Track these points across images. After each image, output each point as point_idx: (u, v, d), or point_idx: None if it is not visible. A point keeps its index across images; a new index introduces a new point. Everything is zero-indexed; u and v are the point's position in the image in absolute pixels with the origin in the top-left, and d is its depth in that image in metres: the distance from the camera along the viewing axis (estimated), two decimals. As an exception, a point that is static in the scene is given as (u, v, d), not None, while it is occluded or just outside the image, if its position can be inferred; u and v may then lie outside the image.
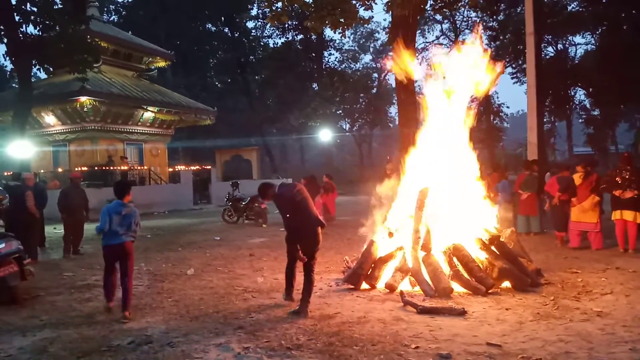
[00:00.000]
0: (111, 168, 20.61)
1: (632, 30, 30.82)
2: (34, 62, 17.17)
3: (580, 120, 44.42)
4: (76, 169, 20.02)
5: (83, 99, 19.42)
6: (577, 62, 39.18)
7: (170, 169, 25.49)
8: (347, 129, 48.30)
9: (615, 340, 4.13)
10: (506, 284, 5.97)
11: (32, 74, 19.10)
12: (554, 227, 9.64)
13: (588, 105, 42.94)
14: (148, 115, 23.34)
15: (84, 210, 10.07)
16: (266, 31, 44.59)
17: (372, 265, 6.38)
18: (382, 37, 44.45)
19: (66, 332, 4.84)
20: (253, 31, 44.57)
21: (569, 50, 41.14)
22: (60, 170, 21.17)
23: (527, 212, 10.54)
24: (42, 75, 23.57)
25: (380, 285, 6.20)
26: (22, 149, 16.18)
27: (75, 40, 16.19)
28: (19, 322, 5.25)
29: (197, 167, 25.66)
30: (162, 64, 26.83)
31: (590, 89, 37.91)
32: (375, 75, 46.81)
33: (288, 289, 5.71)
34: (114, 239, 5.45)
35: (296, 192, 5.32)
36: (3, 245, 6.00)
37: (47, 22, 16.27)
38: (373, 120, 44.39)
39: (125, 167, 21.47)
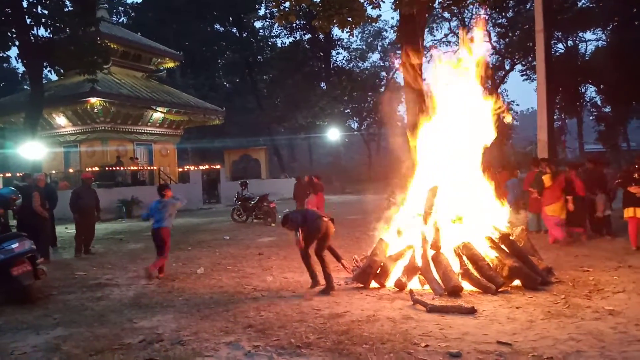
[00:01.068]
0: (121, 168, 20.80)
1: (643, 25, 30.42)
2: (44, 64, 17.35)
3: (591, 118, 43.95)
4: (87, 169, 20.23)
5: (93, 100, 19.63)
6: (587, 58, 38.77)
7: (180, 169, 25.67)
8: (355, 128, 48.24)
9: (628, 339, 4.09)
10: (516, 282, 5.93)
11: (43, 75, 19.32)
12: (568, 224, 9.54)
13: (599, 102, 42.48)
14: (157, 115, 23.51)
15: (96, 210, 10.17)
16: (274, 31, 44.69)
17: (382, 264, 6.38)
18: (390, 35, 44.35)
19: (79, 330, 4.89)
20: (261, 31, 44.70)
21: (579, 47, 40.73)
22: (71, 170, 21.41)
23: (537, 210, 10.47)
24: (53, 77, 23.86)
25: (390, 284, 6.19)
26: (34, 150, 16.37)
27: (85, 42, 16.35)
28: (33, 320, 5.33)
29: (206, 166, 25.79)
30: (170, 64, 27.04)
31: (601, 86, 37.51)
32: (384, 73, 46.69)
33: (312, 277, 6.35)
34: (155, 224, 7.42)
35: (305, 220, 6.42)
36: (16, 244, 6.09)
37: (58, 25, 16.45)
38: (381, 119, 44.27)
39: (135, 168, 21.65)
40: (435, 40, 39.29)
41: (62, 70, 19.78)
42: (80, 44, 16.09)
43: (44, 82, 19.05)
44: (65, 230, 12.81)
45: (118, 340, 4.53)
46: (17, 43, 16.17)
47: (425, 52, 17.56)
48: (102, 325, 5.03)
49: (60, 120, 22.27)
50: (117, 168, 20.70)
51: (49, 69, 18.72)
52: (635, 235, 8.15)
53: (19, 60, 17.67)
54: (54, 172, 21.47)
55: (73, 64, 16.75)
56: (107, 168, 20.54)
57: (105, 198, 18.18)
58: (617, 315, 4.71)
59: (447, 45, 39.36)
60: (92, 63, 16.44)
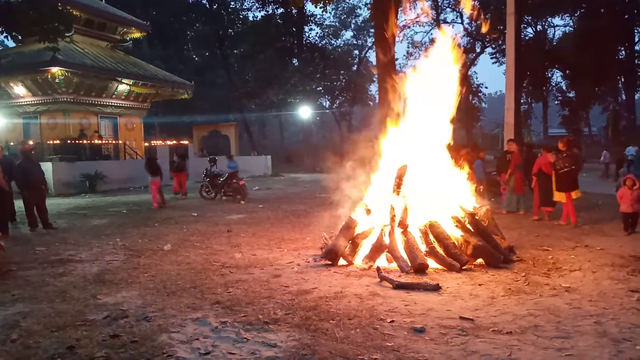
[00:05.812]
0: (84, 142, 20.13)
1: (609, 13, 31.24)
2: (1, 29, 16.40)
3: (556, 102, 45.22)
4: (49, 142, 19.49)
5: (54, 69, 18.74)
6: (555, 43, 39.61)
7: (146, 144, 25.04)
8: (327, 106, 48.10)
9: (582, 314, 4.29)
10: (480, 260, 6.11)
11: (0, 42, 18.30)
12: (541, 204, 9.87)
13: (564, 88, 43.70)
14: (123, 87, 22.72)
15: (43, 184, 9.80)
16: (245, 3, 43.61)
17: (350, 241, 6.44)
18: (364, 13, 44.03)
19: (39, 306, 4.76)
20: (232, 3, 43.49)
21: (548, 32, 41.54)
22: (31, 142, 20.57)
23: (520, 191, 10.70)
24: (11, 43, 22.66)
25: (358, 261, 6.27)
26: (-10, 121, 15.62)
27: (45, 7, 15.49)
28: (-10, 296, 5.15)
29: (174, 142, 25.25)
30: (137, 35, 26.00)
31: (567, 71, 38.51)
32: (356, 52, 46.48)
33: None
34: None
35: None
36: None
37: (14, -13, 15.51)
38: (353, 98, 44.25)
39: (99, 141, 21.02)
40: (408, 19, 39.19)
41: (20, 37, 18.76)
42: (40, 9, 15.23)
43: (0, 48, 18.04)
44: (25, 205, 12.35)
45: (81, 316, 4.43)
46: (-31, 6, 15.19)
47: (398, 32, 17.49)
48: (64, 302, 4.90)
49: (19, 89, 21.23)
50: (80, 141, 20.00)
51: (5, 35, 17.71)
52: (567, 214, 9.13)
53: (-28, 25, 16.57)
54: (12, 143, 20.59)
55: (32, 30, 15.87)
56: (69, 141, 19.82)
57: (67, 172, 17.67)
58: (573, 292, 4.93)
59: (420, 25, 39.45)
60: (53, 30, 15.59)
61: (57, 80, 19.66)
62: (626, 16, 33.87)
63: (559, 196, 9.14)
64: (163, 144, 24.53)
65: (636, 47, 37.61)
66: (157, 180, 13.15)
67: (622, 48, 36.84)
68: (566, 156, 9.06)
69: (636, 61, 37.96)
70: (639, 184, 8.02)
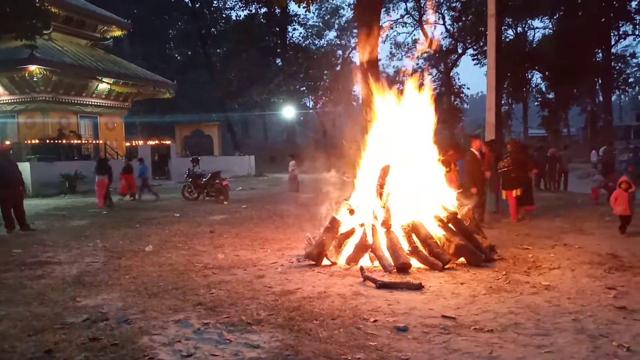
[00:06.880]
0: (63, 141, 19.78)
1: (587, 15, 31.87)
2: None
3: (535, 104, 45.97)
4: (26, 141, 19.05)
5: (32, 67, 18.40)
6: (535, 45, 40.27)
7: (127, 144, 24.72)
8: (310, 106, 48.10)
9: (561, 311, 4.36)
10: (462, 259, 6.17)
11: (-26, 39, 17.82)
12: (521, 203, 9.89)
13: (544, 89, 44.47)
14: (103, 86, 22.39)
15: (20, 184, 9.58)
16: (228, 2, 43.34)
17: (334, 241, 6.44)
18: (348, 13, 44.15)
19: (16, 309, 4.65)
20: (214, 2, 43.20)
21: (528, 34, 42.23)
22: (8, 142, 20.12)
23: (496, 191, 10.70)
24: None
25: (341, 261, 6.28)
26: (-35, 120, 15.23)
27: (22, 4, 15.16)
28: (-36, 300, 5.01)
29: (156, 142, 24.97)
30: (118, 33, 25.69)
31: (547, 72, 39.18)
32: (340, 52, 46.56)
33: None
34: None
35: None
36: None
37: (-11, -18, 15.12)
38: (337, 98, 44.26)
39: (77, 141, 20.68)
40: (391, 20, 39.48)
41: (-5, 34, 18.33)
42: (17, 5, 14.90)
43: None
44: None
45: (60, 319, 4.34)
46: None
47: (381, 32, 17.58)
48: (42, 304, 4.80)
49: (-5, 88, 20.78)
50: (59, 141, 19.64)
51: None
52: (515, 211, 9.57)
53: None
54: (-12, 143, 20.13)
55: (8, 27, 15.52)
56: (48, 141, 19.44)
57: (46, 172, 17.33)
58: (552, 290, 5.01)
59: (403, 26, 39.74)
60: (30, 27, 15.28)
61: (35, 79, 19.29)
62: (603, 19, 34.62)
63: (504, 193, 9.82)
64: (144, 144, 24.23)
65: (613, 50, 38.51)
66: (103, 180, 13.14)
67: (599, 50, 37.66)
68: (506, 157, 9.62)
69: (613, 63, 38.85)
70: (635, 187, 8.01)
